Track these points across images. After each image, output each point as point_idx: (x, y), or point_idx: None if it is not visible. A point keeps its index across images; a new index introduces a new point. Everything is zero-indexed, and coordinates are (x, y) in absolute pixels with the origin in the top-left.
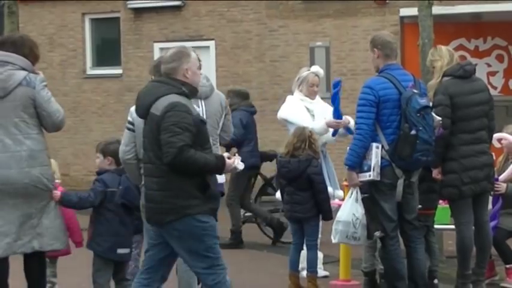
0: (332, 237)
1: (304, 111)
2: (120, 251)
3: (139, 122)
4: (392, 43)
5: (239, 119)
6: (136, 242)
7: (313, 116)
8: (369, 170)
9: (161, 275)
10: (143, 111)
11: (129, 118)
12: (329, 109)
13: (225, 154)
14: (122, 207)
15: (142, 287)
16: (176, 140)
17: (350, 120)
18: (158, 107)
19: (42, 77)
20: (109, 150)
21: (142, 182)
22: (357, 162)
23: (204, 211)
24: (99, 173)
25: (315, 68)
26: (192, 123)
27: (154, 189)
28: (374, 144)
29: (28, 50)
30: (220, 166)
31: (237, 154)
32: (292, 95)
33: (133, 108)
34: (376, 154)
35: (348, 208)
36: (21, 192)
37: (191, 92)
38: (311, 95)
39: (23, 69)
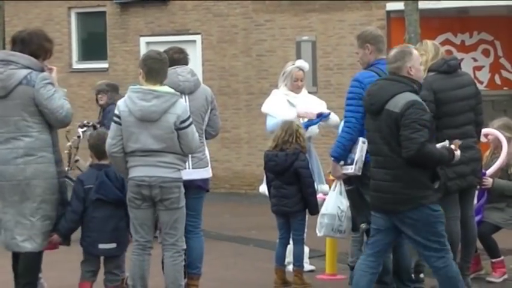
0: (317, 231)
1: (286, 106)
2: (102, 246)
3: (125, 116)
4: (382, 36)
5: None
6: None
7: (295, 108)
8: (352, 164)
9: (382, 258)
10: (377, 108)
11: (116, 112)
12: (313, 103)
13: (453, 146)
14: (102, 202)
15: (370, 268)
16: (417, 136)
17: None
18: (396, 104)
19: (44, 75)
20: (88, 144)
21: (129, 176)
22: (343, 155)
23: (435, 201)
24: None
25: (299, 62)
26: (429, 120)
27: (388, 181)
28: (360, 139)
29: (36, 46)
30: (451, 158)
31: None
32: (278, 89)
33: (120, 102)
34: (361, 149)
35: (333, 201)
36: (16, 189)
37: (419, 88)
38: (295, 89)
39: (27, 67)
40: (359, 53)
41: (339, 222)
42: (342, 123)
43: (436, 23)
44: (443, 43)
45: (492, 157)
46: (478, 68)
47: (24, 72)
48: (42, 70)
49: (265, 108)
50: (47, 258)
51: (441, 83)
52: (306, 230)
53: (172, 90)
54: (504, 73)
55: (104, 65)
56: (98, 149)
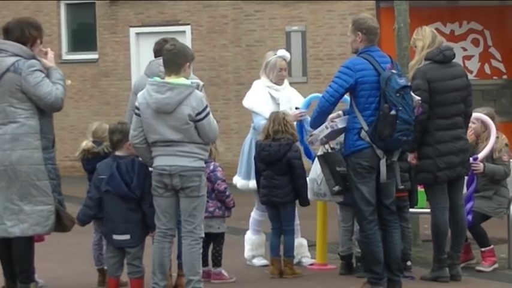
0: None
1: (269, 101)
2: (116, 237)
3: (143, 108)
4: (377, 28)
5: None
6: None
7: (278, 104)
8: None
9: None
10: None
11: (136, 103)
12: (295, 96)
13: None
14: (112, 194)
15: None
16: None
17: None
18: None
19: (31, 62)
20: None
21: (153, 165)
22: (313, 125)
23: None
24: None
25: (282, 52)
26: None
27: None
28: (326, 123)
29: (18, 34)
30: None
31: None
32: (260, 79)
33: (139, 94)
34: (321, 130)
35: (314, 166)
36: (4, 175)
37: None
38: (280, 80)
39: (16, 55)
40: (349, 37)
41: (317, 185)
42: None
43: (426, 12)
44: None
45: (477, 145)
46: (468, 58)
47: (12, 59)
48: (33, 57)
49: (248, 103)
50: (37, 249)
51: (435, 73)
52: (298, 221)
53: (187, 82)
54: (494, 62)
55: (93, 56)
56: (110, 139)
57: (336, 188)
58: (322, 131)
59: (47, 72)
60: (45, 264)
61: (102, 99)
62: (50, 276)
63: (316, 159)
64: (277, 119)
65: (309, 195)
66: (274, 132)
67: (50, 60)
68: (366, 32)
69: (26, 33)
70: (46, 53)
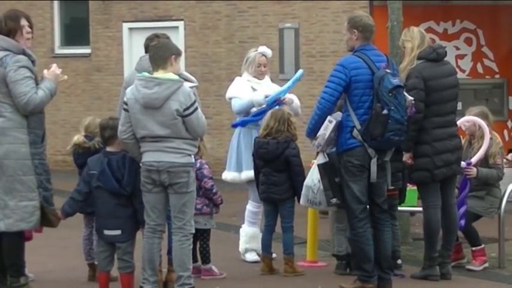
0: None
1: (249, 91)
2: (107, 232)
3: (131, 103)
4: (373, 25)
5: None
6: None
7: None
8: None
9: None
10: None
11: (124, 99)
12: (276, 90)
13: None
14: (103, 190)
15: None
16: None
17: (294, 100)
18: None
19: (18, 58)
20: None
21: (142, 160)
22: (313, 131)
23: None
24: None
25: (262, 48)
26: None
27: None
28: (328, 117)
29: None
30: None
31: None
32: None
33: (128, 90)
34: (325, 127)
35: (310, 173)
36: None
37: None
38: (259, 75)
39: (6, 49)
40: (345, 35)
41: (312, 194)
42: None
43: (419, 11)
44: (426, 31)
45: (469, 146)
46: (461, 57)
47: (1, 54)
48: (22, 53)
49: (229, 93)
50: (27, 243)
51: (430, 71)
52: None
53: (175, 77)
54: (486, 62)
55: (86, 50)
56: (101, 135)
57: (334, 201)
58: (327, 127)
59: (41, 79)
60: (35, 258)
61: (94, 94)
62: (40, 270)
63: (316, 167)
64: (282, 119)
65: (302, 201)
66: (276, 131)
67: (49, 73)
68: (361, 29)
69: (1, 26)
70: (49, 68)
